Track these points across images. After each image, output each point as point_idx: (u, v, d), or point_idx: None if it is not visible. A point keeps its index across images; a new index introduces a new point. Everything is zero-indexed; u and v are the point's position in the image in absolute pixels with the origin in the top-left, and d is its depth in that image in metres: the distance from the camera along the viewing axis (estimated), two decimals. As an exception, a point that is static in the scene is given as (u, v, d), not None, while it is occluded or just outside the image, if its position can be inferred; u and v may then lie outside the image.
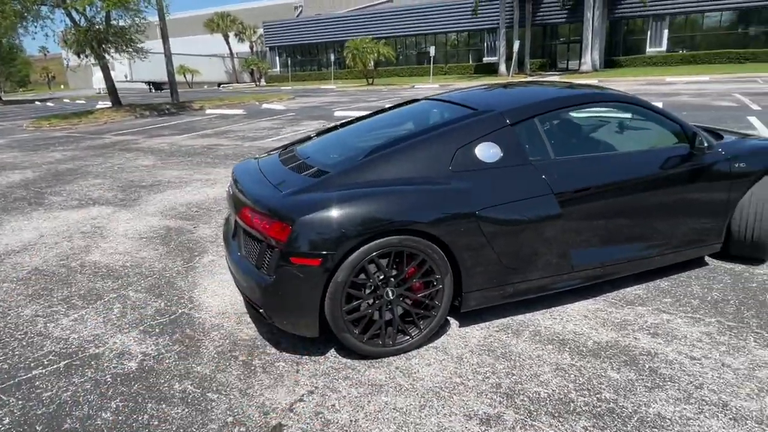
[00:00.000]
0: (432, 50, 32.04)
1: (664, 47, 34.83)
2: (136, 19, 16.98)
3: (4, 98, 41.40)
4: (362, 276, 2.47)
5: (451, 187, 2.61)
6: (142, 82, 51.65)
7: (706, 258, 3.56)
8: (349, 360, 2.61)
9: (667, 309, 2.96)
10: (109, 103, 19.03)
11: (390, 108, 3.85)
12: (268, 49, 52.22)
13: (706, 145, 3.01)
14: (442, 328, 2.84)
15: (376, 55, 32.90)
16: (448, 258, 2.59)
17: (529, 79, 30.44)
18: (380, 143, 2.84)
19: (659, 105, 11.64)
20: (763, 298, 3.01)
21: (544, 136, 2.92)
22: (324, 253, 2.37)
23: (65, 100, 35.38)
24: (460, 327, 2.89)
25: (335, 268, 2.40)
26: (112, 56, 17.19)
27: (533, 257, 2.78)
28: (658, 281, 3.29)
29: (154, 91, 49.75)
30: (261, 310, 2.57)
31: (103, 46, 16.37)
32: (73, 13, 15.78)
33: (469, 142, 2.75)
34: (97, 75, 61.55)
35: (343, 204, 2.43)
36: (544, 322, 2.90)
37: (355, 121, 3.74)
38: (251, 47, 55.78)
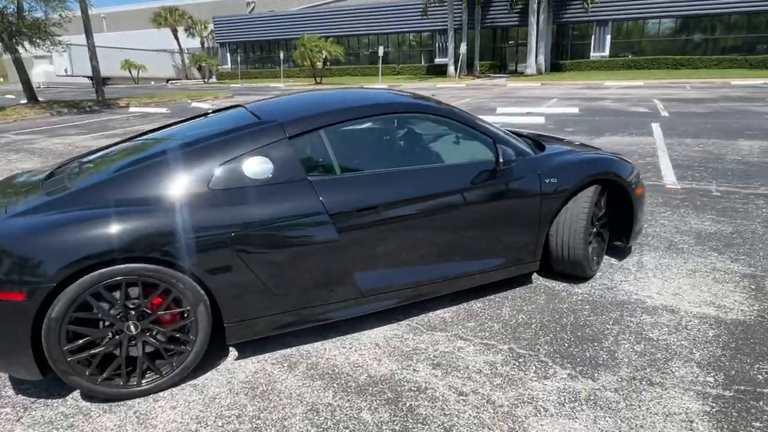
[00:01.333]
0: (381, 50, 31.83)
1: (607, 52, 35.79)
2: (58, 11, 15.99)
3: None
4: (94, 310, 2.17)
5: (201, 207, 2.34)
6: (85, 76, 49.38)
7: (535, 275, 3.43)
8: (87, 404, 2.30)
9: (465, 335, 2.78)
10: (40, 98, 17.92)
11: (206, 114, 3.55)
12: (219, 45, 50.90)
13: (502, 160, 2.83)
14: (214, 361, 2.57)
15: (324, 53, 32.46)
16: (203, 286, 2.32)
17: (477, 81, 30.66)
18: (141, 156, 2.55)
19: (575, 110, 11.92)
20: (567, 320, 2.88)
21: (330, 150, 2.69)
22: (29, 285, 2.05)
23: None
24: (236, 359, 2.62)
25: (47, 303, 2.08)
26: (26, 49, 16.16)
27: (311, 283, 2.55)
28: (472, 302, 3.12)
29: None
30: (-30, 351, 2.23)
31: (16, 38, 15.36)
32: (-20, 3, 14.75)
33: (236, 157, 2.48)
34: (37, 69, 58.57)
35: (58, 228, 2.12)
36: (331, 351, 2.67)
37: (165, 127, 3.42)
38: (202, 43, 54.16)
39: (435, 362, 2.54)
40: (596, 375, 2.40)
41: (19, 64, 15.94)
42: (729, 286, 3.21)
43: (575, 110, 11.87)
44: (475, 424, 2.11)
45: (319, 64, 32.98)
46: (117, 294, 2.19)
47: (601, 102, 13.90)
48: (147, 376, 2.34)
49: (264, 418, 2.18)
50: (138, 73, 49.62)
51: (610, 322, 2.84)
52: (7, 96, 31.21)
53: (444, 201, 2.80)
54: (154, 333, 2.31)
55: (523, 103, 14.41)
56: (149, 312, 2.27)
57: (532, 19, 31.42)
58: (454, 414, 2.17)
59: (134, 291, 2.23)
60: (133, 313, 2.24)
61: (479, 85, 26.53)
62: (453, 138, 3.07)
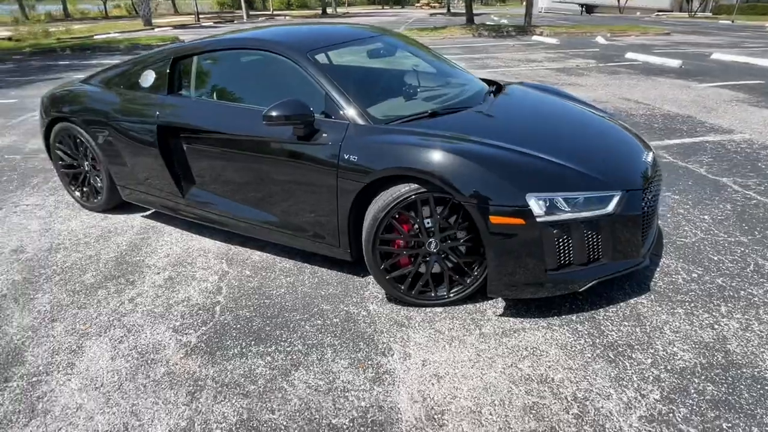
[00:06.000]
0: None
1: None
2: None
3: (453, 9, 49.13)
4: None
5: (110, 98, 3.37)
6: (576, 3, 51.40)
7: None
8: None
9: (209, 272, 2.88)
10: (520, 22, 20.84)
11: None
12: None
13: (266, 113, 2.46)
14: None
15: None
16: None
17: None
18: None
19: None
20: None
21: (194, 74, 3.11)
22: None
23: (492, 16, 39.37)
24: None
25: None
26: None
27: (150, 172, 3.24)
28: (293, 260, 2.99)
29: (584, 14, 48.95)
30: None
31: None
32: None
33: (142, 68, 3.32)
34: (543, -6, 64.50)
35: None
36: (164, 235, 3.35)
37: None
38: (716, -32, 46.26)
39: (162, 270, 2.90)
40: None
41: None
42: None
43: None
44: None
45: None
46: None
47: None
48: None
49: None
50: (625, 2, 47.76)
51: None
52: (494, 17, 36.67)
53: (254, 144, 2.80)
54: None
55: None
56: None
57: None
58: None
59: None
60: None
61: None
62: (296, 84, 2.82)
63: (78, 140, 3.56)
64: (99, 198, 3.70)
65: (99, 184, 3.65)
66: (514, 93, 3.28)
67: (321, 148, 2.55)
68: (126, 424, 1.90)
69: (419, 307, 2.54)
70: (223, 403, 1.99)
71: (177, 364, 2.21)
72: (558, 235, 2.22)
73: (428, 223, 2.40)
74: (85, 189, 3.77)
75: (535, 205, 2.18)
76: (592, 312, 2.46)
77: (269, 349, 2.27)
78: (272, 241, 2.99)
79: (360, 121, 2.54)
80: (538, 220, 2.18)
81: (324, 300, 2.63)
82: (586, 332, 2.32)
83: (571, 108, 3.22)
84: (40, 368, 2.21)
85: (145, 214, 3.73)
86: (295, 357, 2.22)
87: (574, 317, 2.43)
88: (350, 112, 2.57)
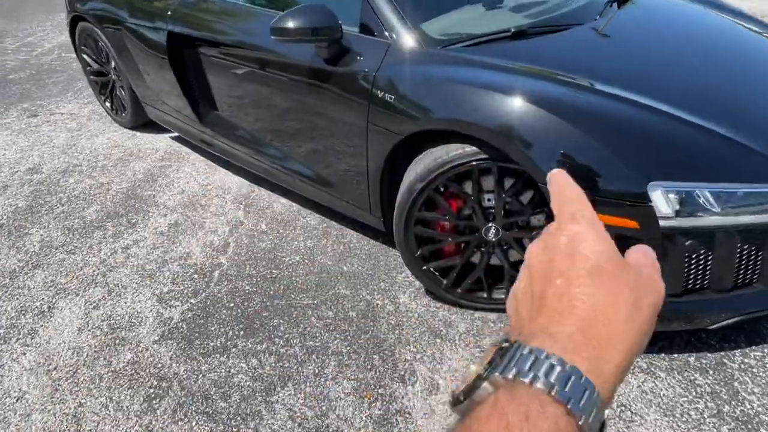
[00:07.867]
0: None
1: None
2: None
3: None
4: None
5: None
6: None
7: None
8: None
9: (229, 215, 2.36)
10: None
11: None
12: None
13: (274, 25, 1.73)
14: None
15: None
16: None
17: None
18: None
19: None
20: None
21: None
22: None
23: None
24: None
25: None
26: None
27: (164, 88, 2.69)
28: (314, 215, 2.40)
29: None
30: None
31: None
32: None
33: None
34: None
35: None
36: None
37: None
38: None
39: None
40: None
41: None
42: None
43: None
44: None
45: None
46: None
47: None
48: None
49: (90, 168, 2.87)
50: None
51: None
52: None
53: (261, 60, 2.14)
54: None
55: None
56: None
57: None
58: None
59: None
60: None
61: None
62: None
63: (99, 43, 3.07)
64: (126, 113, 3.26)
65: (125, 96, 3.19)
66: (651, 2, 2.24)
67: (350, 77, 1.81)
68: (62, 433, 1.52)
69: (465, 309, 1.87)
70: (180, 423, 1.52)
71: (147, 350, 1.77)
72: (692, 247, 1.40)
73: (488, 200, 1.66)
74: (114, 100, 3.35)
75: (662, 199, 1.35)
76: (723, 354, 1.66)
77: (259, 347, 1.76)
78: (295, 191, 2.38)
79: (406, 42, 1.74)
80: (662, 223, 1.36)
81: (344, 279, 2.03)
82: (708, 389, 1.55)
83: (736, 32, 2.15)
84: (0, 332, 1.88)
85: (173, 135, 3.26)
86: (287, 365, 1.69)
87: (692, 359, 1.65)
88: (394, 26, 1.77)
